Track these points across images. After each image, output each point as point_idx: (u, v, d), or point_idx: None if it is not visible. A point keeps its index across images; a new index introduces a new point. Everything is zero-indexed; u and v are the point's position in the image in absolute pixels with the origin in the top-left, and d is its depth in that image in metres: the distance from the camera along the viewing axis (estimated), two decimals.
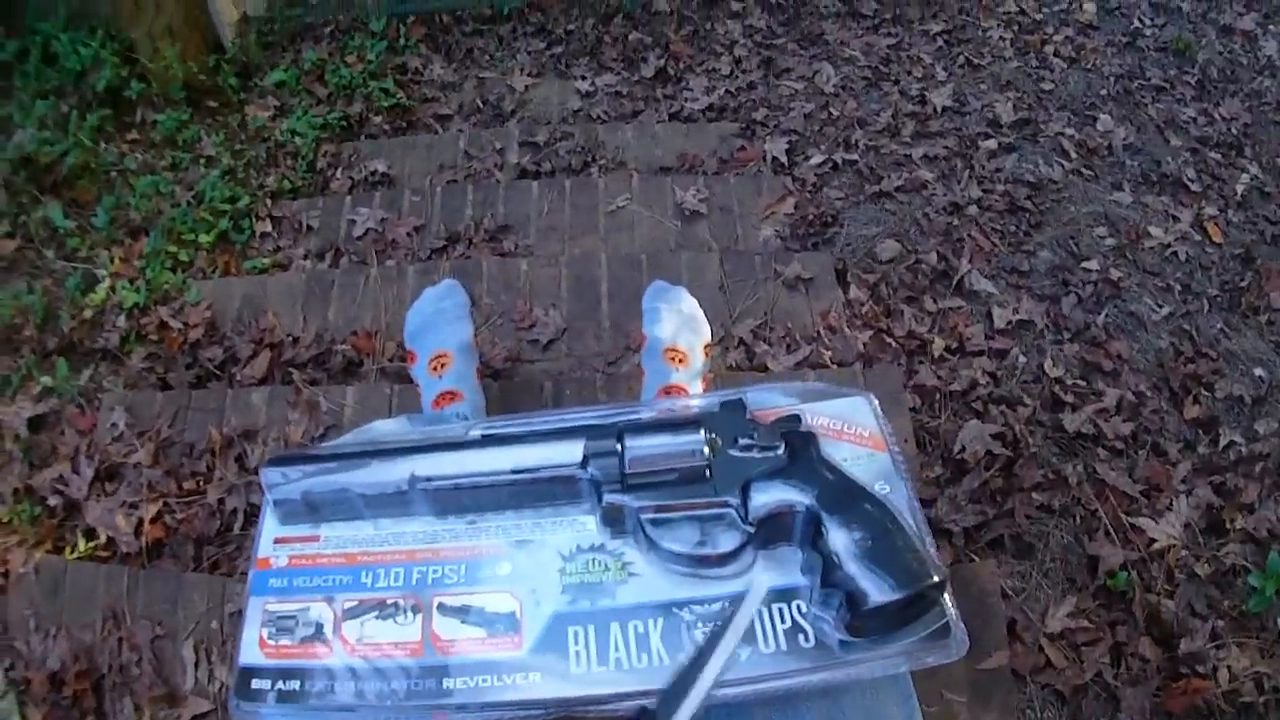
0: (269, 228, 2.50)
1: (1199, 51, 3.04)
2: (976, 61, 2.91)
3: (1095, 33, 3.08)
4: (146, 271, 2.34)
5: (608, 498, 0.73)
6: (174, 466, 1.87)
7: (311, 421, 1.87)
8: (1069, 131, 2.66)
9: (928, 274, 2.22)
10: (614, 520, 0.74)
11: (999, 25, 3.06)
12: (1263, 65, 3.07)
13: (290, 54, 3.12)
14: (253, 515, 1.79)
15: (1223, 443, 1.97)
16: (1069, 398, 1.97)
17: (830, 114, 2.72)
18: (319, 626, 0.70)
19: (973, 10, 3.12)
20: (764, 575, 0.72)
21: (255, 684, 0.68)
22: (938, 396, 1.95)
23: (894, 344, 2.05)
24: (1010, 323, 2.12)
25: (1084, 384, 2.02)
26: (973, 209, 2.39)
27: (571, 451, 0.74)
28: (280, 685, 0.67)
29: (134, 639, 1.62)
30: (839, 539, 0.68)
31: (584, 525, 0.75)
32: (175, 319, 2.19)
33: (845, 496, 0.71)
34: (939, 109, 2.71)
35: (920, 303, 2.15)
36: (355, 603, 0.71)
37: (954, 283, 2.20)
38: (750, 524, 0.72)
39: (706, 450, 0.72)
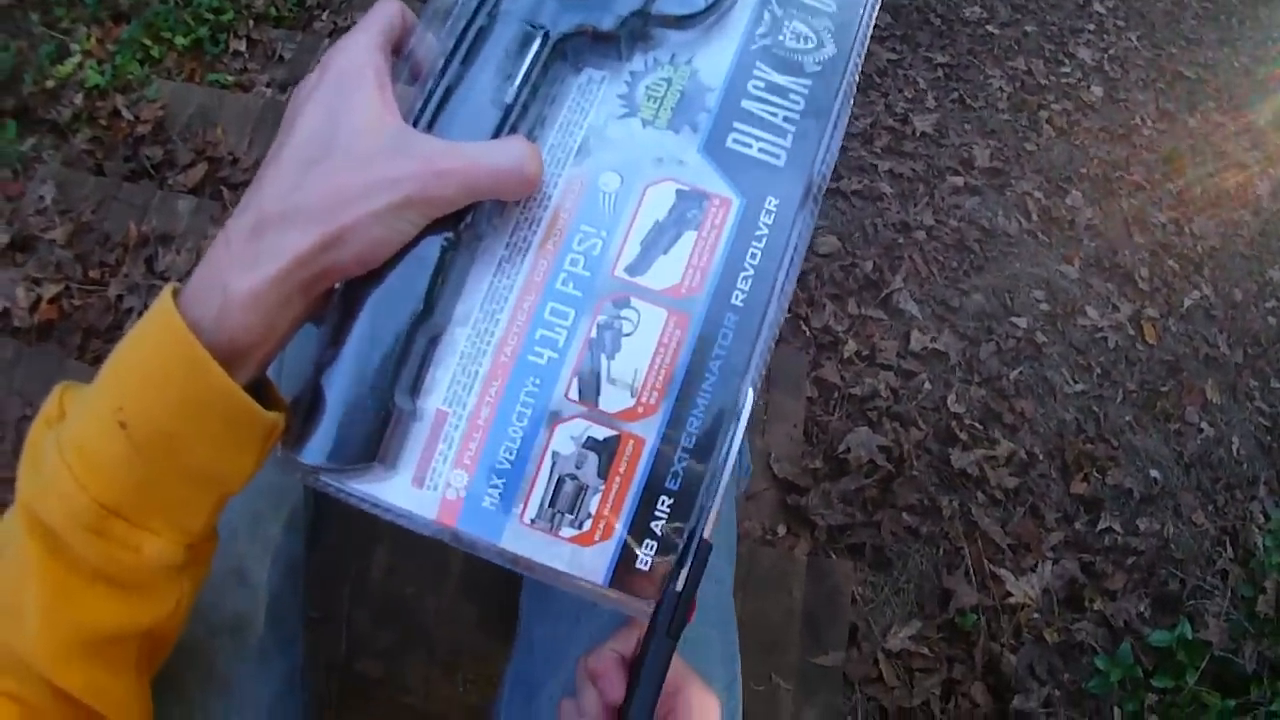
0: (243, 47, 2.64)
1: (1189, 167, 3.23)
2: (969, 102, 3.05)
3: (1094, 114, 3.25)
4: (117, 57, 2.47)
5: None
6: (86, 252, 1.99)
7: None
8: (1037, 194, 2.80)
9: (859, 279, 2.32)
10: None
11: (1002, 76, 3.21)
12: (1249, 199, 3.28)
13: None
14: None
15: (1101, 526, 2.09)
16: (963, 435, 2.07)
17: None
18: None
19: (982, 55, 3.27)
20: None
21: None
22: (836, 395, 2.04)
23: (808, 332, 2.14)
24: (926, 348, 2.22)
25: (980, 428, 2.12)
26: (921, 234, 2.51)
27: None
28: None
29: (2, 414, 1.66)
30: None
31: None
32: (129, 110, 2.34)
33: None
34: (918, 132, 2.83)
35: (844, 303, 2.24)
36: None
37: (882, 295, 2.30)
38: None
39: None
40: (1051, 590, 1.93)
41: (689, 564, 0.47)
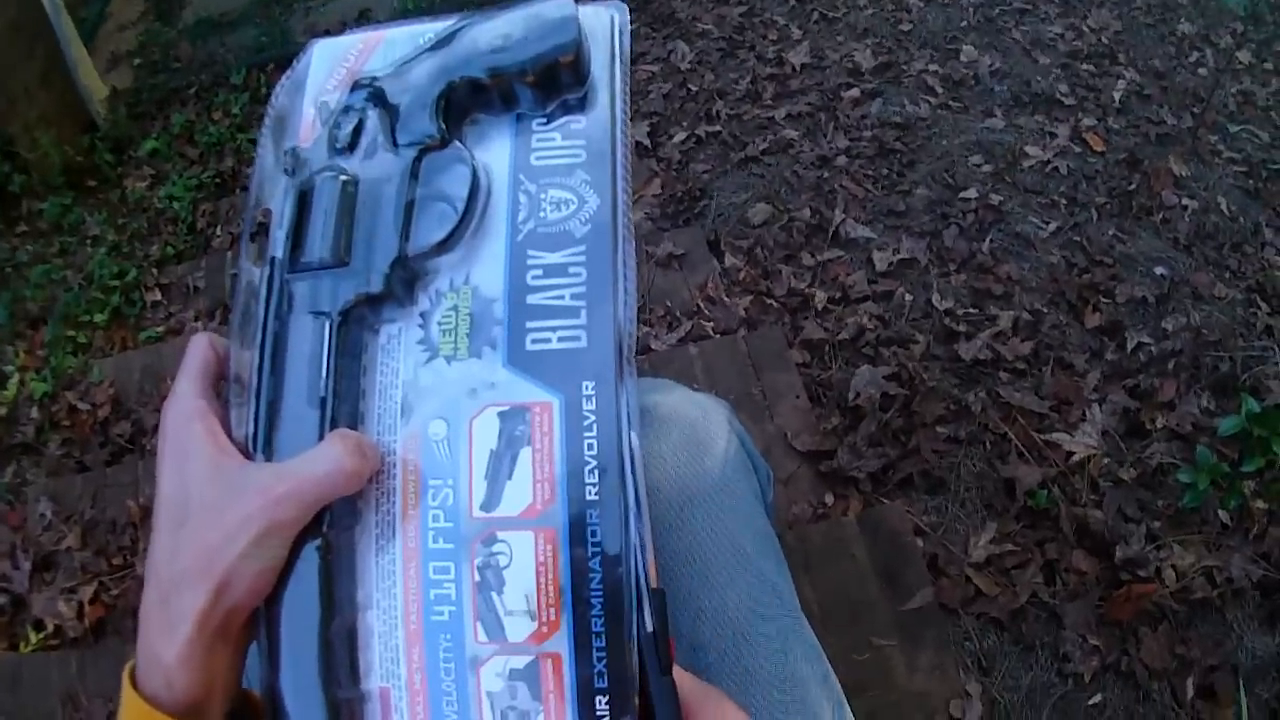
0: (159, 296, 2.73)
1: None
2: (831, 15, 3.03)
3: None
4: (50, 360, 2.56)
5: None
6: (101, 546, 2.03)
7: None
8: (933, 68, 2.78)
9: (802, 230, 2.30)
10: None
11: None
12: None
13: (160, 121, 3.41)
14: None
15: (1130, 345, 2.05)
16: (961, 327, 2.05)
17: (689, 90, 2.83)
18: None
19: None
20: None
21: None
22: (826, 348, 2.02)
23: (775, 304, 2.12)
24: (892, 264, 2.20)
25: (976, 311, 2.10)
26: (841, 159, 2.49)
27: None
28: None
29: (92, 718, 1.74)
30: None
31: None
32: (83, 401, 2.38)
33: None
34: (798, 67, 2.82)
35: (798, 260, 2.23)
36: None
37: (830, 234, 2.28)
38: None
39: None
40: (1110, 430, 1.90)
41: (647, 608, 0.49)
